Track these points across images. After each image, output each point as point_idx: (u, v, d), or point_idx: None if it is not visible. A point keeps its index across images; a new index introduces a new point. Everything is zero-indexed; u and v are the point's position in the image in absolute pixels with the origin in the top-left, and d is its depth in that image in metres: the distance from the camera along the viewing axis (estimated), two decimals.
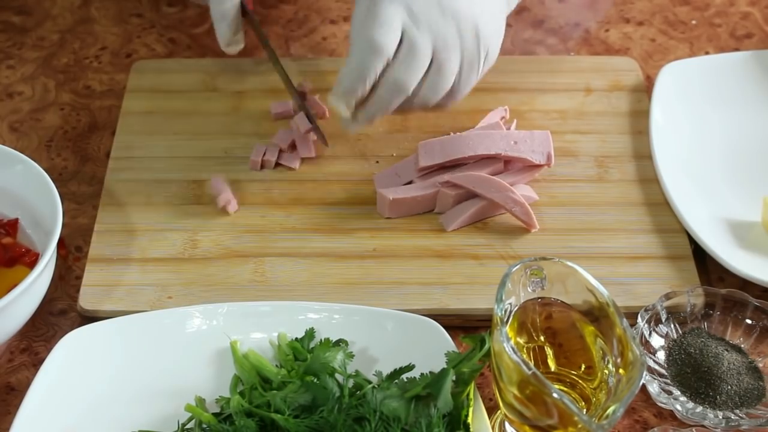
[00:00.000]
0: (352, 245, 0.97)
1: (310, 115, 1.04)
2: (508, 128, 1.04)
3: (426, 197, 0.99)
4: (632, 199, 1.02)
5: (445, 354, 0.84)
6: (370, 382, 0.85)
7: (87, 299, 0.93)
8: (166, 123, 1.08)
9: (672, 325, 0.91)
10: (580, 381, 0.82)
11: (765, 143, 1.06)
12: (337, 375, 0.84)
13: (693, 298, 0.91)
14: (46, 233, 0.89)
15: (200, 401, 0.85)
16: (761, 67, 1.12)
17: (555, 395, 0.73)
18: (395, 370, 0.85)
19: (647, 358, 0.88)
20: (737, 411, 0.86)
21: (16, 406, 0.82)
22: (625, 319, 0.78)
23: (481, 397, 0.84)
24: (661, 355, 0.90)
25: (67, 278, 0.97)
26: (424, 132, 1.06)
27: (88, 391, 0.85)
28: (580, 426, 0.74)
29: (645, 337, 0.90)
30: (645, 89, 1.12)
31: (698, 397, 0.87)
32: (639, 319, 0.90)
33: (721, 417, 0.85)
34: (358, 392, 0.83)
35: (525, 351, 0.82)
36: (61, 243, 0.97)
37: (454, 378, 0.82)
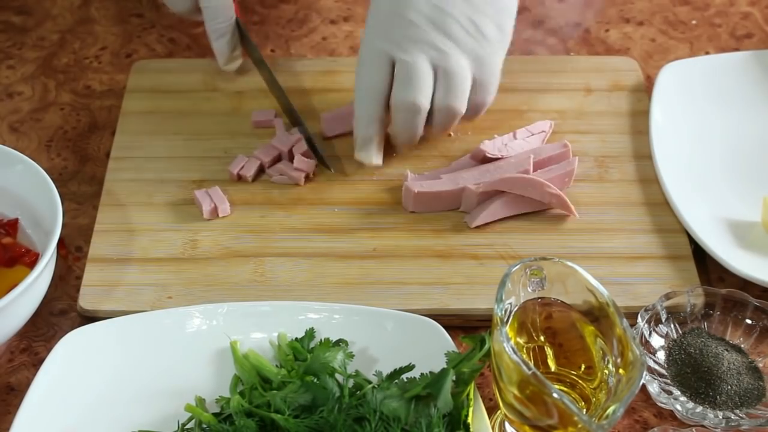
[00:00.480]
0: (352, 245, 0.97)
1: (313, 143, 1.03)
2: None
3: (451, 193, 0.99)
4: (632, 199, 1.02)
5: (445, 354, 0.84)
6: (370, 382, 0.85)
7: (87, 299, 0.93)
8: (166, 123, 1.08)
9: (672, 325, 0.91)
10: (580, 381, 0.82)
11: (765, 143, 1.06)
12: (337, 375, 0.84)
13: (693, 298, 0.91)
14: (46, 233, 0.89)
15: (200, 401, 0.85)
16: (761, 67, 1.12)
17: (555, 395, 0.73)
18: (395, 370, 0.85)
19: (647, 358, 0.88)
20: (737, 411, 0.86)
21: (16, 406, 0.82)
22: (625, 319, 0.78)
23: (481, 397, 0.84)
24: (661, 355, 0.90)
25: (67, 278, 0.97)
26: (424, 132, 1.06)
27: (88, 391, 0.85)
28: (580, 426, 0.74)
29: (645, 337, 0.90)
30: (645, 89, 1.12)
31: (698, 397, 0.87)
32: (639, 319, 0.90)
33: (721, 417, 0.85)
34: (358, 392, 0.83)
35: (525, 351, 0.82)
36: (61, 243, 0.97)
37: (454, 378, 0.82)
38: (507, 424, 0.84)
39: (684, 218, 0.98)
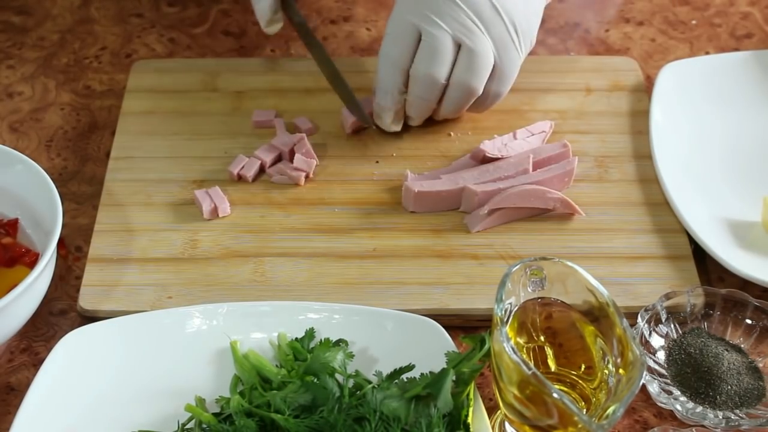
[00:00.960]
0: (352, 245, 0.97)
1: (353, 97, 1.05)
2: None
3: (451, 193, 0.99)
4: (632, 199, 1.02)
5: (445, 354, 0.84)
6: (370, 382, 0.85)
7: (87, 299, 0.93)
8: (166, 123, 1.07)
9: (672, 325, 0.91)
10: (580, 381, 0.82)
11: (765, 143, 1.06)
12: (337, 375, 0.84)
13: (693, 298, 0.91)
14: (46, 233, 0.89)
15: (200, 401, 0.85)
16: (761, 67, 1.12)
17: (555, 395, 0.73)
18: (395, 370, 0.85)
19: (647, 358, 0.88)
20: (737, 411, 0.86)
21: (16, 406, 0.82)
22: (625, 319, 0.78)
23: (481, 397, 0.84)
24: (661, 355, 0.90)
25: (67, 278, 0.97)
26: (425, 132, 1.06)
27: (88, 391, 0.85)
28: (580, 426, 0.74)
29: (645, 337, 0.90)
30: (645, 89, 1.12)
31: (698, 397, 0.87)
32: (639, 319, 0.90)
33: (721, 417, 0.85)
34: (358, 392, 0.83)
35: (525, 351, 0.82)
36: (61, 243, 0.97)
37: (454, 378, 0.82)
38: (507, 424, 0.84)
39: (684, 218, 0.98)
